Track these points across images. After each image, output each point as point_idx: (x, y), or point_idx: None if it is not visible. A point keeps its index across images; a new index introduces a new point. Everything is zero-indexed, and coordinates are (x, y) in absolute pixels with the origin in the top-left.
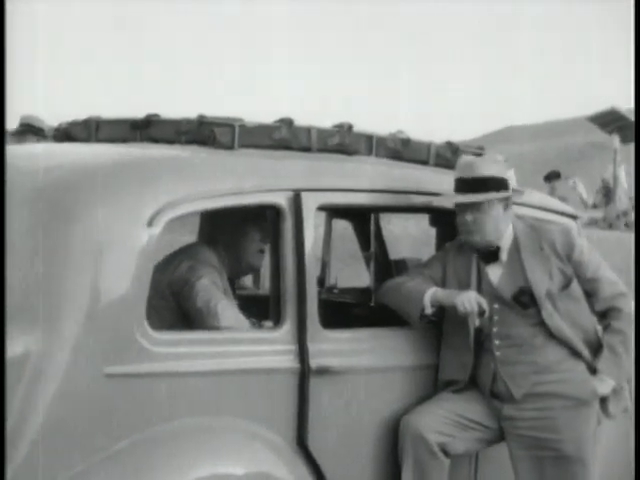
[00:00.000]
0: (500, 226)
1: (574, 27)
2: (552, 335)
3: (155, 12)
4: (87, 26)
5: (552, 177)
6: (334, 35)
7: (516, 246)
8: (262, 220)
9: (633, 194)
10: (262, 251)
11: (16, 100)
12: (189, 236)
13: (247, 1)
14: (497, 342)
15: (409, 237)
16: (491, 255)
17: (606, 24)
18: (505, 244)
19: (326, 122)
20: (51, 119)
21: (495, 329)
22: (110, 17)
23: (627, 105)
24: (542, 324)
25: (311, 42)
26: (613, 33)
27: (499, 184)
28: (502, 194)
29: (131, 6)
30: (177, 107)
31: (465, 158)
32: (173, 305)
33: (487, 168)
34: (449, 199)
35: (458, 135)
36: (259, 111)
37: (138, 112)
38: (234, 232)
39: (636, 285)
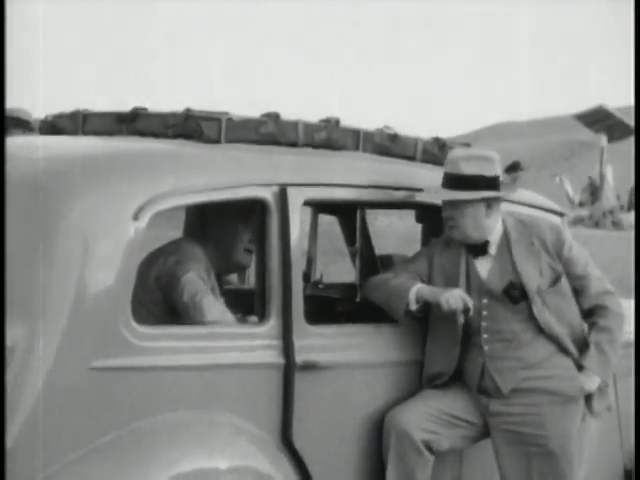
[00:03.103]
0: (483, 224)
1: (567, 25)
2: (541, 331)
3: (154, 11)
4: (87, 26)
5: (513, 168)
6: (327, 32)
7: (506, 240)
8: (252, 219)
9: (620, 193)
10: (250, 251)
11: (16, 99)
12: (175, 231)
13: (246, 1)
14: (486, 336)
15: (395, 233)
16: (479, 249)
17: (600, 23)
18: (494, 238)
19: (314, 117)
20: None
21: (484, 324)
22: (110, 17)
23: (615, 103)
24: (531, 319)
25: (301, 40)
26: (606, 32)
27: (482, 183)
28: (481, 194)
29: (130, 6)
30: (178, 105)
31: (454, 153)
32: (160, 299)
33: (472, 166)
34: (428, 195)
35: (449, 131)
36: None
37: (134, 105)
38: (223, 229)
39: (636, 285)
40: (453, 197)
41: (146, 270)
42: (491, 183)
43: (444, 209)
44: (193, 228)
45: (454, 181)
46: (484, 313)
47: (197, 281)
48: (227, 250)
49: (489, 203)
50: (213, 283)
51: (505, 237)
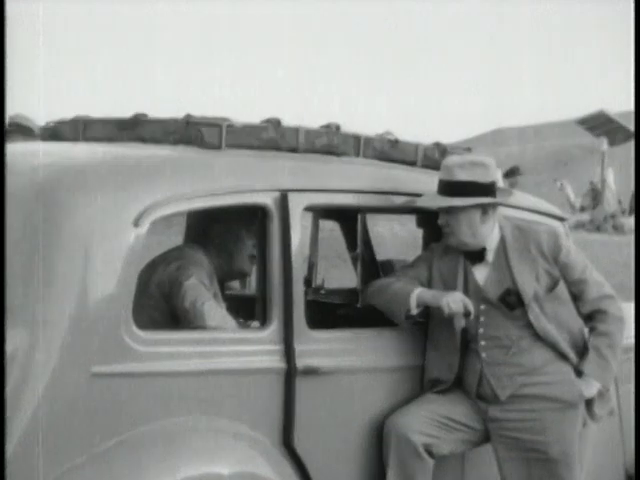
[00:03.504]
0: (479, 230)
1: (566, 29)
2: (538, 337)
3: (154, 12)
4: (87, 26)
5: (512, 173)
6: (322, 35)
7: (503, 247)
8: (255, 226)
9: (621, 197)
10: (253, 257)
11: (16, 100)
12: (176, 237)
13: (246, 1)
14: (483, 343)
15: (396, 238)
16: (476, 255)
17: (599, 28)
18: (491, 245)
19: (315, 122)
20: (50, 119)
21: (481, 330)
22: (110, 17)
23: (617, 108)
24: (529, 326)
25: (300, 42)
26: (605, 36)
27: (476, 189)
28: (474, 200)
29: (130, 6)
30: (179, 108)
31: (449, 159)
32: (162, 305)
33: (466, 173)
34: (423, 201)
35: (449, 136)
36: (253, 112)
37: (135, 111)
38: (226, 236)
39: (636, 285)
40: (446, 204)
41: (148, 275)
42: (486, 189)
43: (440, 216)
44: (195, 234)
45: (448, 187)
46: (482, 319)
47: (199, 286)
48: (230, 257)
49: (484, 209)
50: (215, 289)
51: (502, 243)
